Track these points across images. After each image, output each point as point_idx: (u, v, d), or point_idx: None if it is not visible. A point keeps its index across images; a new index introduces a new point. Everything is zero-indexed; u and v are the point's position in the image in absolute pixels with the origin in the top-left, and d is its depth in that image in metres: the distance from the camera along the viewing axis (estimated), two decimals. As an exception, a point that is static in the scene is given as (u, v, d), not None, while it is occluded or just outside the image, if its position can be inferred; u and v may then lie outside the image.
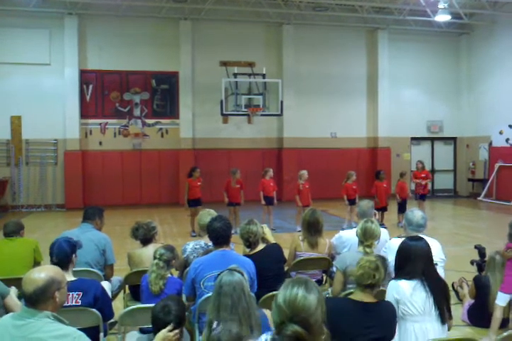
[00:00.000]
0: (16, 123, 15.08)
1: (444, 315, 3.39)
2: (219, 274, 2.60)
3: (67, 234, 4.76)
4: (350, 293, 3.36)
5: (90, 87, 15.74)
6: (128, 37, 15.74)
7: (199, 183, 11.03)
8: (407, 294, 3.36)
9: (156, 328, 2.97)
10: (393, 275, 4.31)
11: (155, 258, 4.05)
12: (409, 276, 3.42)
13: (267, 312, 3.09)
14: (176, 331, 2.94)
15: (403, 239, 4.30)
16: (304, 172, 11.26)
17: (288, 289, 2.11)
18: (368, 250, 4.19)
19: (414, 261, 3.45)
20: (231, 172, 11.37)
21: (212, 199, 11.43)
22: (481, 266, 5.22)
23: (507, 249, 4.76)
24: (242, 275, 2.58)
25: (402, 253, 3.57)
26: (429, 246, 3.60)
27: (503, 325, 4.76)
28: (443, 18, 15.84)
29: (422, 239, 3.66)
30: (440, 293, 3.41)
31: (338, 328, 2.90)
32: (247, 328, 2.42)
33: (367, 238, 4.26)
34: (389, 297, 3.46)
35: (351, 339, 2.86)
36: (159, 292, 3.90)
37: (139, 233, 4.90)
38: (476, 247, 5.57)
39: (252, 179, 12.86)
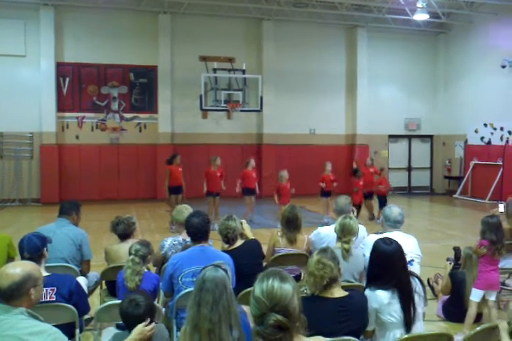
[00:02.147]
0: (-11, 115, 14.76)
1: (410, 321, 3.28)
2: (203, 269, 2.58)
3: (42, 229, 4.69)
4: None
5: (67, 79, 15.47)
6: (106, 30, 15.51)
7: (180, 169, 10.85)
8: (385, 303, 3.28)
9: (128, 323, 2.96)
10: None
11: (130, 253, 4.01)
12: (384, 287, 3.31)
13: (246, 309, 3.08)
14: (152, 325, 2.93)
15: (380, 235, 4.34)
16: (284, 174, 11.08)
17: (264, 281, 2.21)
18: (345, 246, 4.20)
19: (389, 271, 3.32)
20: (211, 159, 11.28)
21: (190, 194, 11.35)
22: (454, 267, 5.30)
23: (480, 246, 4.83)
24: (226, 272, 2.56)
25: (377, 262, 3.41)
26: (402, 250, 3.43)
27: (477, 319, 4.85)
28: (421, 17, 15.94)
29: (394, 242, 3.45)
30: (409, 303, 3.30)
31: (312, 327, 2.89)
32: (226, 326, 2.41)
33: (345, 234, 4.28)
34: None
35: (326, 337, 2.85)
36: (135, 288, 3.85)
37: (118, 228, 4.85)
38: (454, 249, 5.65)
39: (231, 174, 12.80)
